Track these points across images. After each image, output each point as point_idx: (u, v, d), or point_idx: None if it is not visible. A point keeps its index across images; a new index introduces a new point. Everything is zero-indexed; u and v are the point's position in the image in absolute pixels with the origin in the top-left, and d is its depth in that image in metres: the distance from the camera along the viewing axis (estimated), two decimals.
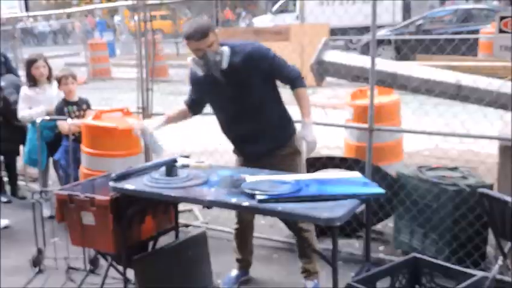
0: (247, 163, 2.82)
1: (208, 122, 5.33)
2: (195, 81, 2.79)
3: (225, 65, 2.58)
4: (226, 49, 2.58)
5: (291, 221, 2.50)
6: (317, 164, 3.59)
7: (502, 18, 3.27)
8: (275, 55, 2.71)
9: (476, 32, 10.23)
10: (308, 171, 3.06)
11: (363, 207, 2.45)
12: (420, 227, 3.27)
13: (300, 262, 3.00)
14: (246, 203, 2.23)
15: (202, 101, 2.89)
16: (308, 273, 2.96)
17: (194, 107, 2.90)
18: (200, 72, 2.64)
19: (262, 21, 19.07)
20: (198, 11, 28.53)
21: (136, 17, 4.19)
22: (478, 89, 3.25)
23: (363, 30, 12.03)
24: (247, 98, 2.69)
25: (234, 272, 3.20)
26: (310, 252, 2.88)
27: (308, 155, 2.78)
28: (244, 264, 3.20)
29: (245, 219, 3.07)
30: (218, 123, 2.91)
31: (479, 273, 2.20)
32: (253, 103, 2.70)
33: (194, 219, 4.22)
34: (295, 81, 2.73)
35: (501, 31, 3.24)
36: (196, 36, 2.53)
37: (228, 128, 2.86)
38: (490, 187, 3.09)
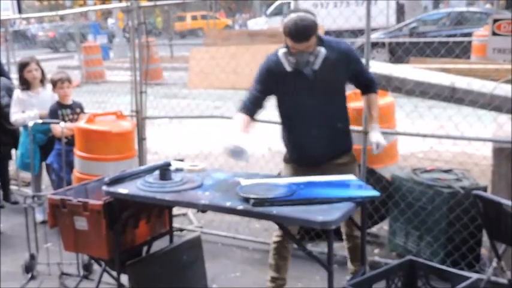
0: (303, 170, 2.65)
1: (203, 125, 5.33)
2: (272, 73, 2.59)
3: (317, 66, 2.49)
4: (322, 50, 2.48)
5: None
6: None
7: (495, 20, 3.28)
8: (360, 58, 2.73)
9: (469, 34, 10.30)
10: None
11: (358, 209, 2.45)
12: (415, 230, 3.28)
13: (352, 266, 2.91)
14: (240, 207, 2.22)
15: (265, 99, 2.65)
16: None
17: (254, 110, 2.62)
18: (287, 67, 2.51)
19: (257, 23, 19.13)
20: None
21: (136, 20, 4.15)
22: (472, 91, 3.26)
23: (357, 32, 12.07)
24: (328, 96, 2.60)
25: None
26: (359, 257, 2.77)
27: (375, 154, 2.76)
28: (280, 283, 2.86)
29: (290, 229, 2.66)
30: (285, 122, 2.74)
31: (474, 276, 2.21)
32: (332, 103, 2.64)
33: (188, 223, 4.21)
34: (373, 85, 2.74)
35: (494, 34, 3.25)
36: (298, 38, 2.42)
37: (297, 128, 2.68)
38: (484, 189, 3.10)
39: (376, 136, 2.66)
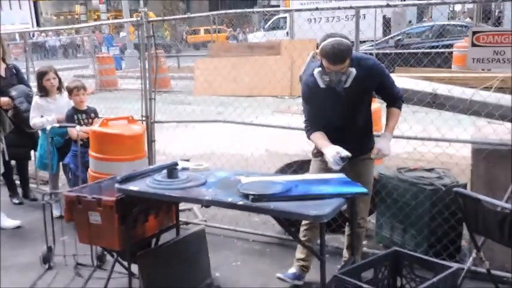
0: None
1: (207, 129, 5.34)
2: (311, 91, 2.66)
3: (348, 84, 2.52)
4: (353, 71, 2.51)
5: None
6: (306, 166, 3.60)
7: (474, 33, 3.28)
8: (389, 73, 2.74)
9: (450, 46, 10.32)
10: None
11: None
12: (400, 223, 3.29)
13: (348, 254, 2.91)
14: (240, 202, 2.23)
15: (318, 111, 2.73)
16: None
17: (318, 125, 2.71)
18: (321, 84, 2.56)
19: (256, 36, 19.17)
20: (197, 26, 28.71)
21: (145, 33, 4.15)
22: (452, 98, 3.28)
23: None
24: (356, 106, 2.67)
25: (292, 270, 2.95)
26: (359, 245, 2.84)
27: (377, 159, 2.82)
28: (305, 264, 2.93)
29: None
30: (320, 126, 2.77)
31: (454, 265, 2.21)
32: (359, 112, 2.70)
33: (194, 217, 4.21)
34: (398, 100, 2.74)
35: (474, 45, 3.26)
36: (334, 61, 2.46)
37: (330, 132, 2.73)
38: (464, 186, 3.11)
39: (382, 143, 2.67)
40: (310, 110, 2.74)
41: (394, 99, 2.74)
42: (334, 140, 2.71)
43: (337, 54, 2.45)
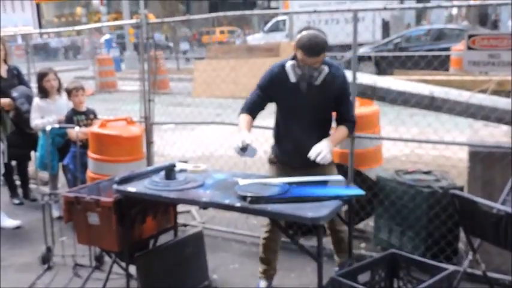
0: (288, 171, 2.65)
1: (205, 131, 5.32)
2: (274, 82, 2.60)
3: (318, 82, 2.49)
4: (326, 69, 2.49)
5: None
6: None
7: (470, 36, 3.28)
8: (350, 93, 2.73)
9: (448, 49, 10.34)
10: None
11: (345, 207, 2.45)
12: (398, 226, 3.28)
13: (338, 258, 2.91)
14: (238, 204, 2.22)
15: (265, 103, 2.67)
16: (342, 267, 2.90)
17: (255, 112, 2.66)
18: (292, 78, 2.50)
19: (255, 38, 19.18)
20: (196, 28, 28.89)
21: (144, 34, 4.14)
22: (449, 100, 3.27)
23: (346, 47, 12.07)
24: (318, 111, 2.61)
25: (264, 284, 2.91)
26: (346, 248, 2.77)
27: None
28: (272, 273, 2.92)
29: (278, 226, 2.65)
30: (279, 128, 2.75)
31: (451, 267, 2.21)
32: (320, 118, 2.64)
33: (192, 219, 4.19)
34: (350, 123, 2.67)
35: (469, 48, 3.26)
36: (310, 53, 2.43)
37: (288, 134, 2.68)
38: (461, 189, 3.10)
39: (317, 147, 2.48)
40: (255, 95, 2.65)
41: (347, 120, 2.66)
42: (291, 142, 2.65)
43: (313, 46, 2.42)
